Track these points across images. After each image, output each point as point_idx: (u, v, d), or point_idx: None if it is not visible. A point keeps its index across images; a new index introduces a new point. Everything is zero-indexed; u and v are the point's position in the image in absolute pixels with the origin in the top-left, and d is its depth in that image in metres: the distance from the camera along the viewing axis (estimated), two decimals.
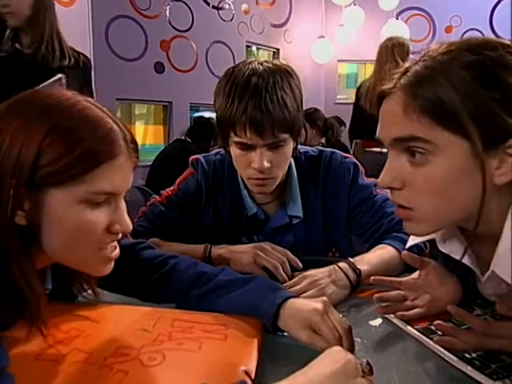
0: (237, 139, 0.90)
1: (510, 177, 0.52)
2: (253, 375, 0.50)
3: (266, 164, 0.90)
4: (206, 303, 0.68)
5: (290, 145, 0.95)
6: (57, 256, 0.58)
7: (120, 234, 0.61)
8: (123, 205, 0.60)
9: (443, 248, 0.67)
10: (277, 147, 0.91)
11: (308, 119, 3.32)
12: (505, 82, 0.51)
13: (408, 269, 0.91)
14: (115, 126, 0.58)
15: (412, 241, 0.74)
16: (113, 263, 0.62)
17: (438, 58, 0.54)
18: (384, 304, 0.72)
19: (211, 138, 3.00)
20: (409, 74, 0.56)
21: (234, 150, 0.94)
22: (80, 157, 0.53)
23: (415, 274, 0.75)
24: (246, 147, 0.91)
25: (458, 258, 0.65)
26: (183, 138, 3.16)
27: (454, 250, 0.65)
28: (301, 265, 0.88)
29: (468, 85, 0.51)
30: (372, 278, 0.75)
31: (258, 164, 0.90)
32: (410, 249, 0.91)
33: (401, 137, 0.55)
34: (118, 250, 0.62)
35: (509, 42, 0.55)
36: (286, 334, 0.62)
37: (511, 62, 0.52)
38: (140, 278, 0.76)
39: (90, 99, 0.59)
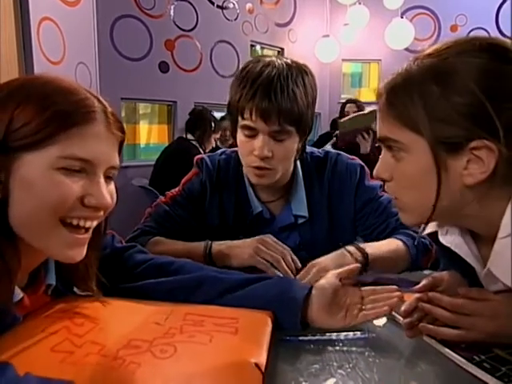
0: (243, 122, 0.93)
1: (477, 178, 0.56)
2: (263, 369, 0.51)
3: (267, 152, 0.92)
4: (222, 302, 0.69)
5: (295, 140, 0.95)
6: (20, 230, 0.55)
7: (102, 213, 0.59)
8: (102, 181, 0.58)
9: (444, 239, 0.69)
10: (281, 139, 0.92)
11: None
12: (465, 88, 0.54)
13: (415, 266, 0.92)
14: (93, 98, 0.58)
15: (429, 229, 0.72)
16: (83, 249, 0.58)
17: (413, 68, 0.59)
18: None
19: (206, 125, 3.28)
20: (391, 81, 0.62)
21: (240, 137, 0.96)
22: (52, 117, 0.54)
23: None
24: (251, 133, 0.92)
25: (457, 250, 0.66)
26: (184, 136, 3.33)
27: (453, 241, 0.67)
28: (300, 264, 0.88)
29: (430, 92, 0.56)
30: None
31: (259, 150, 0.91)
32: (417, 246, 0.93)
33: (379, 137, 0.64)
34: (87, 235, 0.58)
35: (478, 44, 0.57)
36: (291, 338, 0.64)
37: (471, 68, 0.55)
38: (130, 282, 0.73)
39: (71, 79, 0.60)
